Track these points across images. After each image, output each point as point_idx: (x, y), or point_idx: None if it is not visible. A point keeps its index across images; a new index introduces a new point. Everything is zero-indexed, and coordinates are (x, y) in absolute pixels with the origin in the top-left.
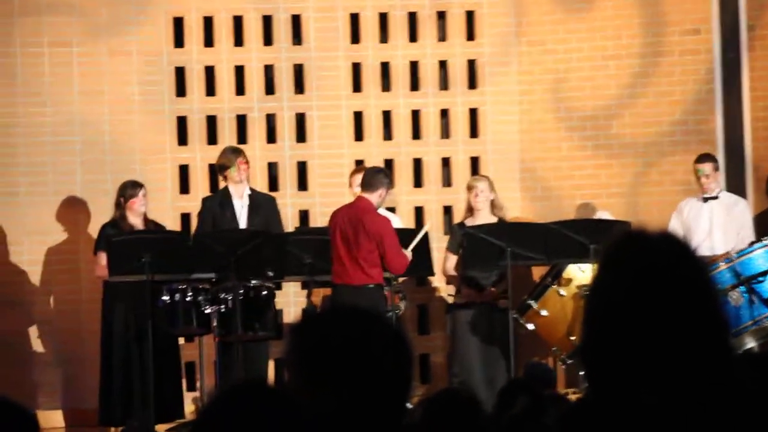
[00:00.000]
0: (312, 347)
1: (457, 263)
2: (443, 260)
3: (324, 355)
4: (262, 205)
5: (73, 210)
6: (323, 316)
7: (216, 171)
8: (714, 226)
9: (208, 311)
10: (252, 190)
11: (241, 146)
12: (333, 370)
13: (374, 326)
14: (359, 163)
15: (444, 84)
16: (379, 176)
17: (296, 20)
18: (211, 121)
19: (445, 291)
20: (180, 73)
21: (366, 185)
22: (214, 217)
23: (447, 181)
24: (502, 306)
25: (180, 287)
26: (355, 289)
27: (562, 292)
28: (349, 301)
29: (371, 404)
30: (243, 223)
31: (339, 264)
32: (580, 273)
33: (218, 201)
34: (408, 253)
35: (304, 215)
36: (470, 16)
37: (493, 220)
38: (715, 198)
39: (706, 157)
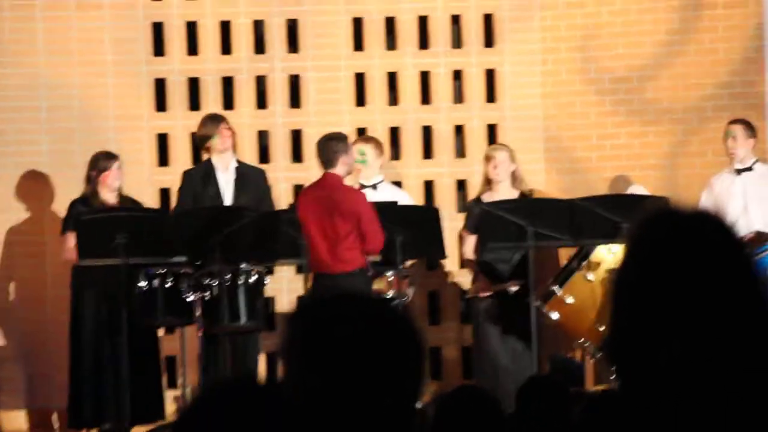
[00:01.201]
0: (310, 338)
1: (476, 245)
2: (459, 241)
3: (324, 347)
4: (251, 178)
5: (37, 184)
6: (323, 302)
7: (197, 143)
8: (749, 200)
9: (190, 299)
10: (239, 162)
11: (228, 112)
12: (334, 365)
13: (381, 315)
14: (361, 132)
15: (457, 41)
16: (331, 145)
17: None
18: (194, 84)
19: (459, 276)
20: (158, 29)
21: (324, 162)
22: (196, 192)
23: (460, 152)
24: (519, 292)
25: (159, 272)
26: (336, 278)
27: (590, 276)
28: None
29: (377, 403)
30: (229, 200)
31: (314, 252)
32: (610, 255)
33: (201, 174)
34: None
35: (298, 190)
36: None
37: (515, 194)
38: (749, 169)
39: (738, 120)
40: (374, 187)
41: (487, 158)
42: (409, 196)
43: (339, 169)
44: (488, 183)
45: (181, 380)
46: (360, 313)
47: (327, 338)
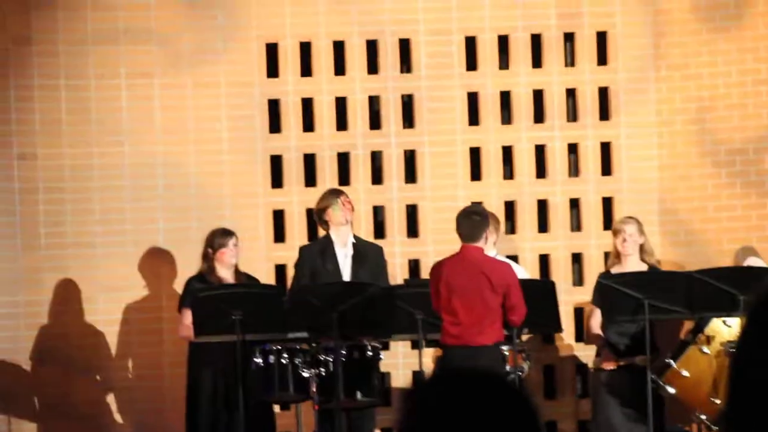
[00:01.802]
0: (429, 415)
1: (602, 320)
2: (587, 316)
3: (443, 423)
4: (369, 254)
5: (154, 262)
6: (440, 379)
7: (315, 218)
8: None
9: (306, 375)
10: (356, 237)
11: (344, 188)
12: None
13: (498, 390)
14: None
15: (573, 115)
16: (475, 220)
17: (405, 45)
18: (309, 160)
19: (575, 350)
20: (274, 105)
21: (467, 237)
22: (313, 268)
23: (576, 226)
24: (640, 365)
25: (275, 348)
26: (477, 350)
27: (705, 349)
28: (468, 364)
29: None
30: (347, 275)
31: (453, 324)
32: (725, 328)
33: (318, 250)
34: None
35: (414, 265)
36: (602, 37)
37: (643, 267)
38: None
39: None
40: None
41: (616, 231)
42: (525, 270)
43: (481, 244)
44: (617, 256)
45: None
46: (477, 389)
47: (445, 416)
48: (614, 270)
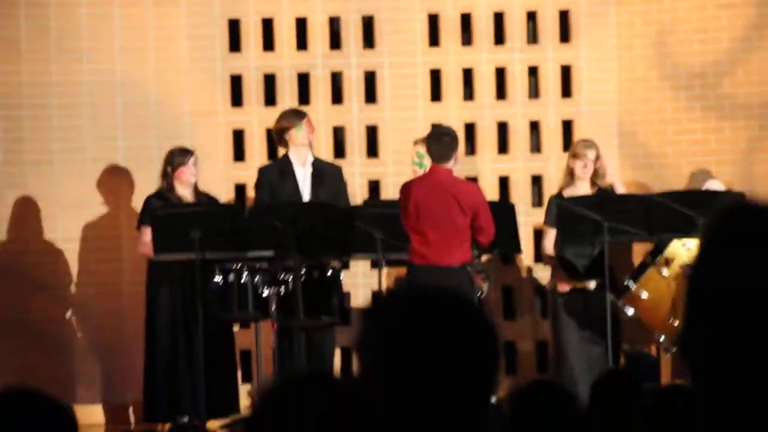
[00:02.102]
0: (386, 333)
1: (556, 240)
2: (540, 235)
3: (400, 342)
4: (328, 174)
5: (114, 180)
6: (399, 297)
7: (274, 137)
8: None
9: (265, 294)
10: (316, 158)
11: (304, 108)
12: (409, 360)
13: (457, 309)
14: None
15: (533, 37)
16: (444, 143)
17: None
18: (269, 80)
19: (534, 271)
20: (234, 25)
21: (437, 158)
22: (272, 188)
23: (536, 147)
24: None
25: (234, 267)
26: (444, 270)
27: (664, 271)
28: (435, 283)
29: (452, 398)
30: (306, 195)
31: (422, 244)
32: (684, 250)
33: (277, 170)
34: None
35: (374, 186)
36: None
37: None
38: None
39: None
40: None
41: (576, 155)
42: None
43: (450, 164)
44: (570, 177)
45: (256, 374)
46: (435, 308)
47: (402, 334)
48: (566, 192)
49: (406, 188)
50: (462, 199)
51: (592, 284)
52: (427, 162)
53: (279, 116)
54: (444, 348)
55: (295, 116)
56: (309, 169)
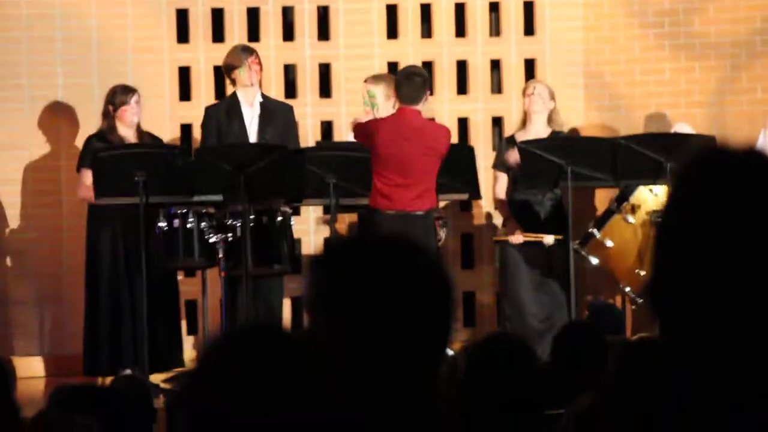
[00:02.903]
0: (337, 282)
1: (508, 185)
2: (493, 181)
3: (351, 291)
4: (277, 114)
5: (53, 119)
6: (350, 245)
7: (222, 73)
8: None
9: (212, 240)
10: (265, 96)
11: (253, 45)
12: (361, 310)
13: (411, 258)
14: (393, 66)
15: None
16: (416, 84)
17: None
18: (217, 15)
19: (495, 218)
20: None
21: (407, 99)
22: (219, 128)
23: (497, 88)
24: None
25: (179, 212)
26: (411, 218)
27: (630, 219)
28: (401, 231)
29: (405, 351)
30: (254, 136)
31: (387, 186)
32: (652, 196)
33: (225, 109)
34: None
35: (327, 127)
36: None
37: (548, 133)
38: None
39: None
40: None
41: (525, 91)
42: None
43: (420, 105)
44: (524, 122)
45: (202, 326)
46: (387, 257)
47: (352, 284)
48: (518, 135)
49: (373, 125)
50: (431, 141)
51: (549, 239)
52: (380, 102)
53: (227, 53)
54: (396, 300)
55: (241, 54)
56: (257, 110)
